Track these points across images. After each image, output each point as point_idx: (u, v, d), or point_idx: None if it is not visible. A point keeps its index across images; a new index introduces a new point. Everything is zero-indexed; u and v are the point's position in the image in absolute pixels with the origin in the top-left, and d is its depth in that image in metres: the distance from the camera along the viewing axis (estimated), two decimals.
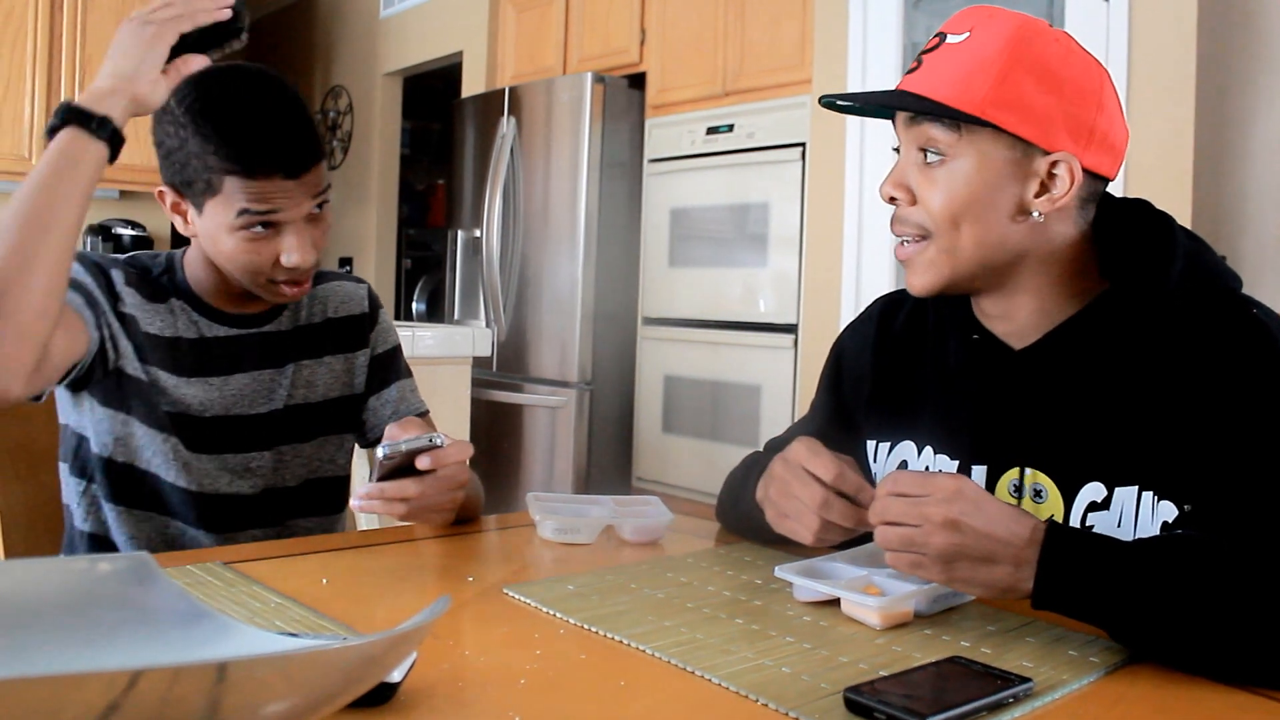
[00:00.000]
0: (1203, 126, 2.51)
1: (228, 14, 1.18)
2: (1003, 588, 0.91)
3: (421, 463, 1.13)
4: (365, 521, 1.69)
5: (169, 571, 0.69)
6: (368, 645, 0.52)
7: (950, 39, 1.07)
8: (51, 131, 1.10)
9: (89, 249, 4.76)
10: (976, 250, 1.07)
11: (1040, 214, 1.06)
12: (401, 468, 1.14)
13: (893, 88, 1.11)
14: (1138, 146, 2.56)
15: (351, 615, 0.96)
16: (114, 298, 1.32)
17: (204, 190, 1.25)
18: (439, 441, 1.13)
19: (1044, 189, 1.05)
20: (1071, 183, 1.04)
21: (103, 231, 4.77)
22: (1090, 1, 2.66)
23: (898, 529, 0.93)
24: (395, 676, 0.74)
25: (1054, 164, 1.04)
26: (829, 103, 1.15)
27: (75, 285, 1.26)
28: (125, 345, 1.31)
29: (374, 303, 1.55)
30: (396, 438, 1.15)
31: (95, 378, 1.30)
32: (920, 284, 1.12)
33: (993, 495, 0.93)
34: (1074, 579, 0.89)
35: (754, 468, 1.24)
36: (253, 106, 1.24)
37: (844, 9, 3.24)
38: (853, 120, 3.22)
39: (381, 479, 1.14)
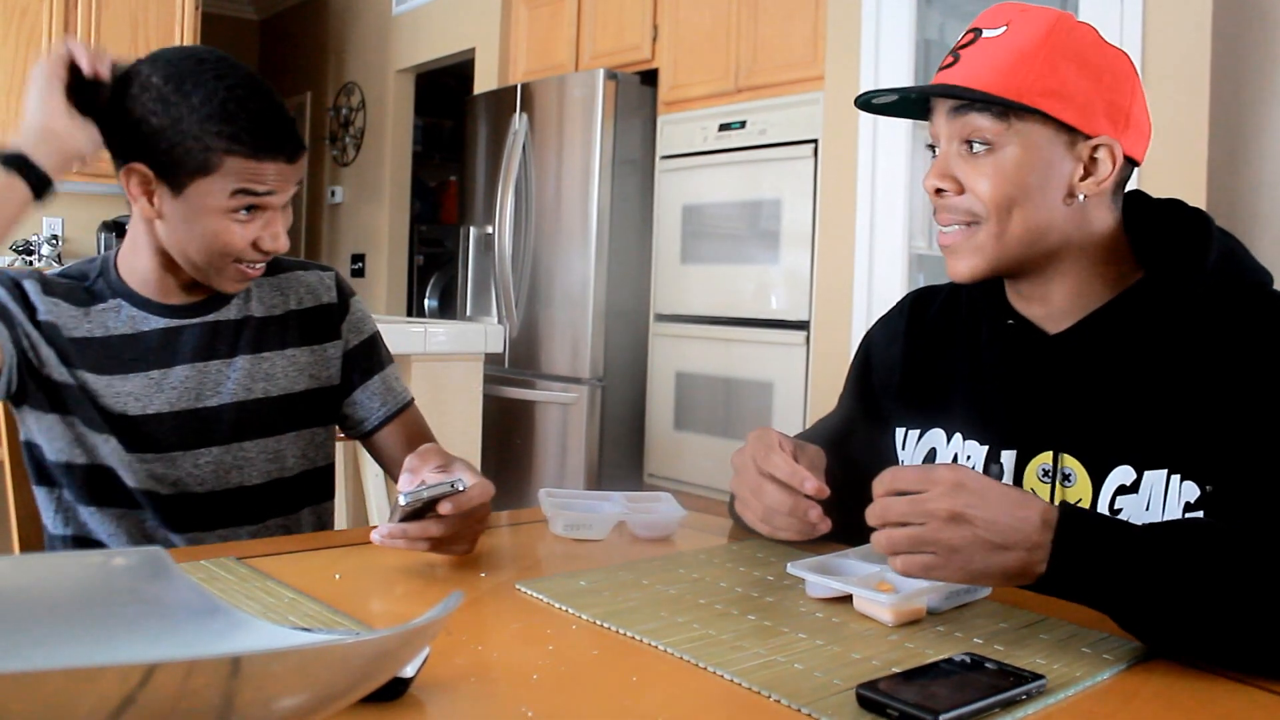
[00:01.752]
0: (1217, 121, 2.50)
1: (106, 65, 1.25)
2: (1015, 573, 0.90)
3: (444, 508, 1.08)
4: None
5: (183, 567, 0.69)
6: (381, 640, 0.52)
7: (987, 33, 1.10)
8: None
9: (102, 245, 4.78)
10: (1025, 234, 1.09)
11: (1084, 196, 1.09)
12: (423, 509, 1.12)
13: (928, 83, 1.13)
14: (1152, 144, 2.55)
15: (364, 611, 0.96)
16: (29, 309, 1.30)
17: (195, 169, 1.23)
18: (460, 486, 1.09)
19: (1087, 173, 1.08)
20: (1114, 165, 1.07)
21: (116, 228, 4.78)
22: None
23: (904, 530, 0.90)
24: (408, 672, 0.75)
25: (1095, 148, 1.07)
26: (864, 102, 1.16)
27: None
28: (47, 353, 1.30)
29: (344, 292, 1.51)
30: (417, 470, 1.13)
31: (29, 389, 1.30)
32: (965, 268, 1.13)
33: (993, 480, 0.92)
34: (1088, 562, 0.88)
35: None
36: (249, 88, 1.24)
37: (857, 5, 3.23)
38: (865, 117, 3.21)
39: (403, 520, 1.12)
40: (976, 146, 1.09)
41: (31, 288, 1.32)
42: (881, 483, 0.93)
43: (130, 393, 1.32)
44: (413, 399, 1.54)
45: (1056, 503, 0.96)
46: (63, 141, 1.20)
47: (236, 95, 1.23)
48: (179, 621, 0.65)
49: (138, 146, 1.25)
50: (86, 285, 1.36)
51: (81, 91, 1.24)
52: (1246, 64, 2.57)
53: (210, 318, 1.38)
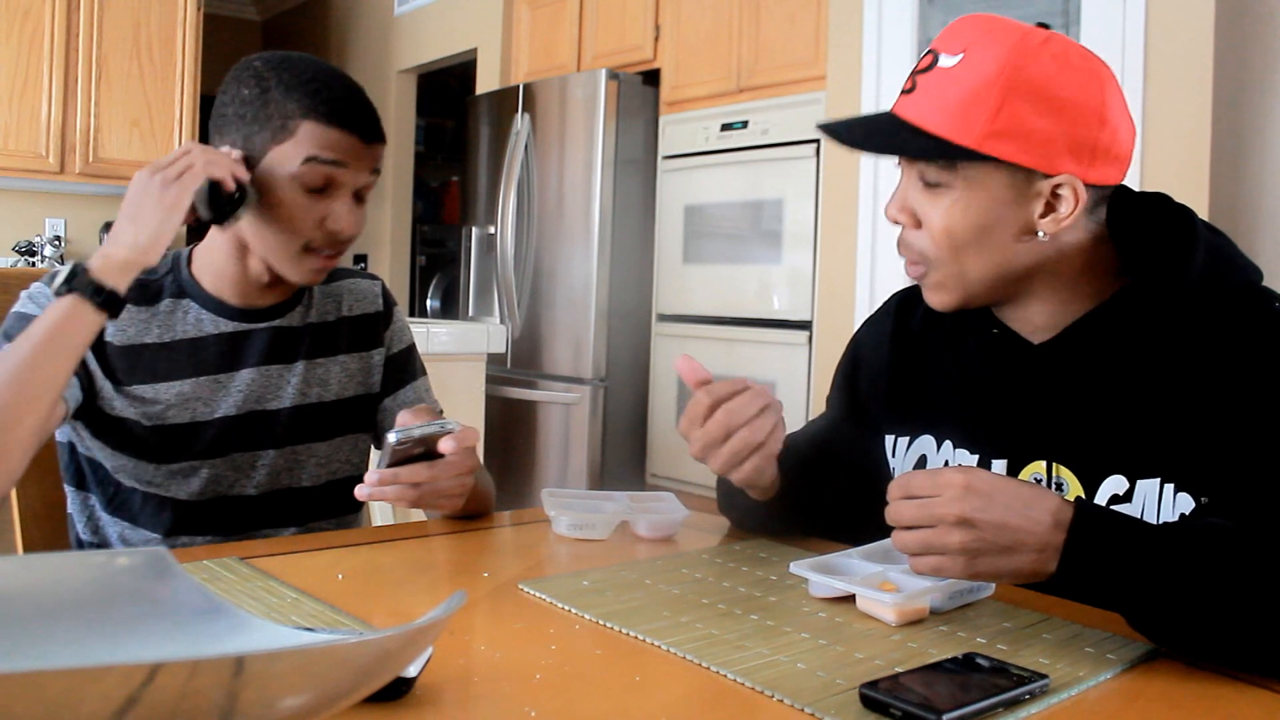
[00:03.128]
0: (1220, 123, 2.50)
1: (245, 174, 1.25)
2: (1027, 574, 0.90)
3: (445, 445, 1.13)
4: (380, 518, 1.69)
5: (185, 567, 0.69)
6: (384, 640, 0.52)
7: (943, 60, 1.04)
8: (59, 292, 1.15)
9: None
10: (983, 273, 1.07)
11: (1045, 234, 1.05)
12: (411, 456, 1.14)
13: (888, 109, 1.09)
14: (1154, 143, 2.55)
15: (367, 610, 0.96)
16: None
17: (276, 133, 1.25)
18: (453, 427, 1.13)
19: (1049, 209, 1.04)
20: (1076, 203, 1.03)
21: None
22: None
23: (914, 533, 0.92)
24: (411, 671, 0.75)
25: (1057, 186, 1.03)
26: (830, 131, 1.12)
27: None
28: (104, 384, 1.30)
29: (388, 301, 1.53)
30: (409, 424, 1.15)
31: (85, 416, 1.30)
32: (937, 301, 1.12)
33: (1004, 480, 0.92)
34: (1100, 562, 0.88)
35: None
36: (341, 75, 1.30)
37: (858, 5, 3.23)
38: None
39: (391, 464, 1.13)
40: (931, 179, 1.06)
41: None
42: (896, 487, 0.94)
43: (197, 396, 1.33)
44: (441, 412, 1.52)
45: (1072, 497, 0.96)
46: (154, 257, 1.20)
47: (326, 74, 1.28)
48: (182, 621, 0.65)
49: (225, 128, 1.28)
50: (155, 278, 1.36)
51: (216, 203, 1.23)
52: (1249, 62, 2.57)
53: (276, 323, 1.39)
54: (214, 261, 1.36)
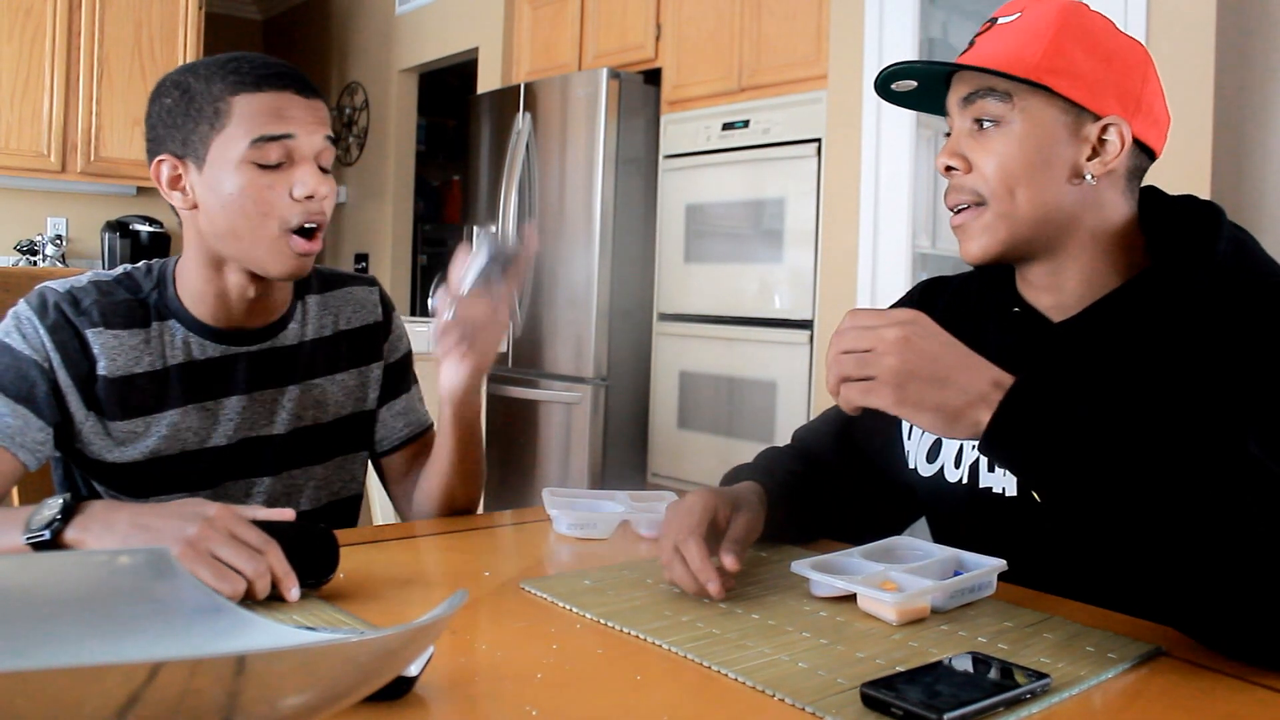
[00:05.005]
0: (1221, 118, 2.50)
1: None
2: (952, 414, 0.90)
3: (532, 241, 1.26)
4: (381, 518, 1.69)
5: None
6: (385, 639, 0.52)
7: (1001, 20, 1.11)
8: (31, 536, 1.00)
9: (106, 246, 4.79)
10: (1032, 212, 1.08)
11: (1093, 176, 1.08)
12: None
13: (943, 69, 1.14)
14: None
15: (368, 610, 0.96)
16: (89, 361, 1.24)
17: (212, 122, 1.20)
18: (512, 246, 1.24)
19: (1095, 153, 1.08)
20: (1122, 146, 1.07)
21: (120, 228, 4.80)
22: None
23: (852, 355, 0.92)
24: (412, 670, 0.75)
25: (1105, 128, 1.07)
26: (884, 85, 1.16)
27: (19, 398, 1.20)
28: (86, 425, 1.24)
29: (387, 308, 1.47)
30: (463, 276, 1.26)
31: (63, 450, 1.27)
32: (976, 249, 1.12)
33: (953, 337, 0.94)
34: (1030, 431, 0.89)
35: (758, 466, 1.25)
36: (252, 52, 1.28)
37: (860, 4, 3.23)
38: (869, 115, 3.21)
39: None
40: (985, 124, 1.09)
41: (94, 337, 1.24)
42: (844, 320, 0.95)
43: (187, 426, 1.28)
44: (431, 424, 1.50)
45: None
46: None
47: (240, 53, 1.25)
48: (183, 620, 0.65)
49: (159, 140, 1.24)
50: (141, 296, 1.29)
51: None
52: (1251, 60, 2.57)
53: (267, 345, 1.33)
54: (190, 284, 1.29)
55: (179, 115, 1.22)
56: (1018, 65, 1.06)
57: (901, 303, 1.35)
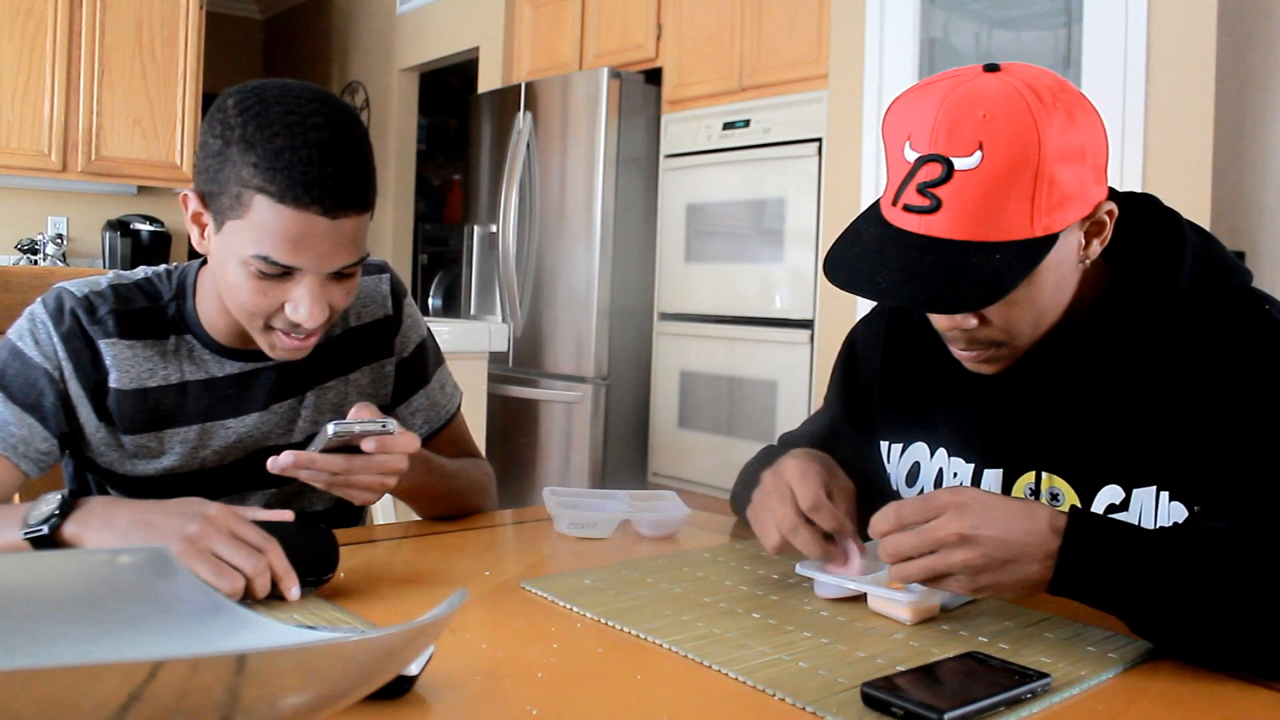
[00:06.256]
0: (1222, 121, 2.49)
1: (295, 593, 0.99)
2: (1032, 584, 0.90)
3: (368, 445, 1.07)
4: (381, 518, 1.69)
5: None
6: (385, 638, 0.52)
7: (960, 165, 0.94)
8: (30, 531, 1.00)
9: (107, 245, 4.79)
10: (1054, 319, 1.06)
11: (1090, 259, 1.04)
12: (344, 447, 1.10)
13: (895, 227, 1.00)
14: (1156, 141, 2.55)
15: (369, 609, 0.96)
16: (100, 373, 1.21)
17: (229, 207, 1.10)
18: (391, 429, 1.09)
19: (1089, 237, 1.03)
20: (1111, 220, 1.02)
21: (121, 227, 4.79)
22: None
23: (917, 563, 0.91)
24: (413, 669, 0.75)
25: (1097, 214, 1.02)
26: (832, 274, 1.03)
27: (26, 406, 1.18)
28: (97, 435, 1.23)
29: (397, 298, 1.40)
30: (356, 418, 1.10)
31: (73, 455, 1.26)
32: (991, 371, 1.10)
33: (997, 494, 0.92)
34: (1095, 565, 0.88)
35: (767, 461, 1.24)
36: (311, 127, 1.08)
37: (860, 4, 3.23)
38: (869, 116, 3.21)
39: (322, 451, 1.09)
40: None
41: (106, 348, 1.21)
42: (886, 518, 0.93)
43: (203, 443, 1.26)
44: (457, 408, 1.46)
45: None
46: None
47: (292, 133, 1.07)
48: (184, 619, 0.65)
49: (197, 170, 1.15)
50: (160, 305, 1.25)
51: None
52: (1251, 59, 2.57)
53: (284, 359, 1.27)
54: (209, 301, 1.25)
55: (213, 169, 1.11)
56: (1025, 227, 0.95)
57: (873, 314, 1.33)
